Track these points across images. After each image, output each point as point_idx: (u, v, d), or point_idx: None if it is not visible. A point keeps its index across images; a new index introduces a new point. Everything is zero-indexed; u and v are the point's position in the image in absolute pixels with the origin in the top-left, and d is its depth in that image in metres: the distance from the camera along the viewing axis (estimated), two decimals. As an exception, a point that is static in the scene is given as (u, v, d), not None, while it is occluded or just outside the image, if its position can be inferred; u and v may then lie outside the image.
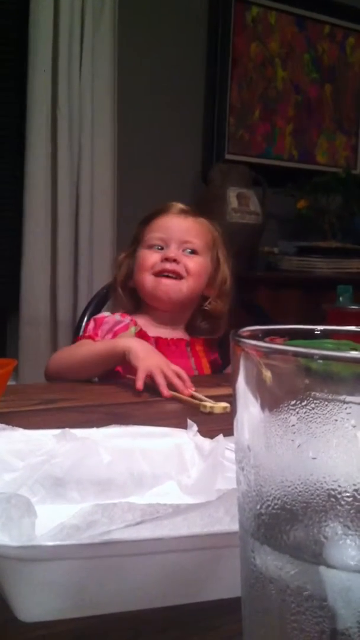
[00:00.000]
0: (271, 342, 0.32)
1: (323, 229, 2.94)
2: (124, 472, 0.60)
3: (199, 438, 0.66)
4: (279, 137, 3.06)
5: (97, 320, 1.37)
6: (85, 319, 1.59)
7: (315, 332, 0.33)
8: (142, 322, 1.39)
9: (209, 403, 0.95)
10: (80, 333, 1.54)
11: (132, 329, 1.35)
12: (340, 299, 1.38)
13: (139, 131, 2.65)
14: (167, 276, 1.37)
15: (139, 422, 0.76)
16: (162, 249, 1.39)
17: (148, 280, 1.38)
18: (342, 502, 0.25)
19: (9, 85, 2.49)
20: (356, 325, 0.34)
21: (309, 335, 0.34)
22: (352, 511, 0.25)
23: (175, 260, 1.37)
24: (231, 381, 0.29)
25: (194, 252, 1.40)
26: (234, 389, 0.29)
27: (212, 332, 1.47)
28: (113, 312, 1.45)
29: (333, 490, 0.26)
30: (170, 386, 1.08)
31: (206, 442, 0.64)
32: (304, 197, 2.88)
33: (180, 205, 1.46)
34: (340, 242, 2.88)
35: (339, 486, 0.26)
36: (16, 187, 2.44)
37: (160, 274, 1.37)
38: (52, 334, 2.45)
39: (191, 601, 0.43)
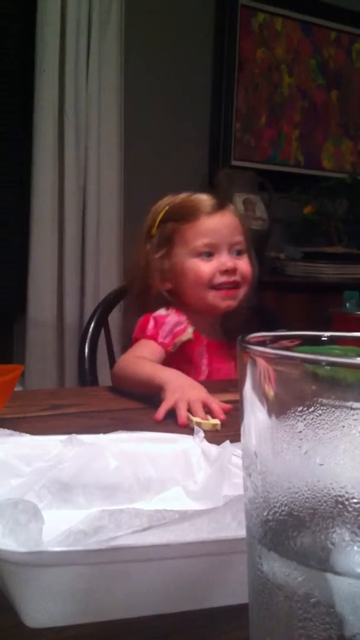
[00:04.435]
0: (278, 348, 0.32)
1: (329, 234, 2.94)
2: (130, 477, 0.60)
3: (206, 444, 0.66)
4: (285, 142, 3.06)
5: (158, 319, 1.30)
6: (93, 323, 1.59)
7: (322, 338, 0.33)
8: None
9: (197, 419, 0.94)
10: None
11: (190, 330, 1.30)
12: (347, 304, 1.38)
13: (145, 136, 2.66)
14: (227, 289, 1.32)
15: (145, 427, 0.76)
16: (210, 254, 1.33)
17: (209, 295, 1.32)
18: (350, 509, 0.25)
19: (15, 90, 2.50)
20: (363, 331, 0.34)
21: (315, 341, 0.34)
22: (359, 517, 0.25)
23: (233, 270, 1.32)
24: (238, 387, 0.29)
25: (240, 252, 1.35)
26: (241, 395, 0.29)
27: (242, 328, 1.43)
28: (148, 312, 1.35)
29: (340, 496, 0.26)
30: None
31: (213, 448, 0.64)
32: (310, 202, 2.88)
33: (212, 199, 1.37)
34: (347, 247, 2.88)
35: (347, 492, 0.26)
36: (23, 191, 2.45)
37: (219, 286, 1.32)
38: (58, 338, 2.46)
39: (198, 607, 0.43)
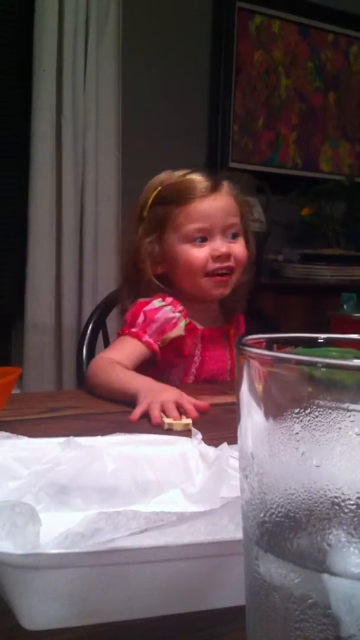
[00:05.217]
0: (275, 350, 0.32)
1: (327, 237, 2.94)
2: (128, 479, 0.60)
3: (203, 446, 0.66)
4: (282, 145, 3.06)
5: (148, 315, 1.26)
6: (90, 326, 1.59)
7: (319, 340, 0.34)
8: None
9: (169, 420, 0.94)
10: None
11: (182, 324, 1.27)
12: (344, 306, 1.38)
13: (143, 138, 2.66)
14: (221, 274, 1.29)
15: (143, 430, 0.76)
16: (203, 239, 1.28)
17: (202, 282, 1.28)
18: (346, 510, 0.26)
19: (13, 91, 2.50)
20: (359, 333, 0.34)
21: (312, 343, 0.34)
22: (355, 519, 0.25)
23: (227, 255, 1.28)
24: (235, 389, 0.29)
25: (235, 235, 1.31)
26: (238, 397, 0.29)
27: (240, 307, 1.41)
28: (143, 299, 1.31)
29: (337, 498, 0.26)
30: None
31: (210, 450, 0.64)
32: (308, 205, 2.89)
33: (205, 181, 1.30)
34: (344, 250, 2.88)
35: (343, 494, 0.26)
36: (21, 193, 2.45)
37: (213, 273, 1.28)
38: (56, 341, 2.45)
39: (195, 609, 0.43)
